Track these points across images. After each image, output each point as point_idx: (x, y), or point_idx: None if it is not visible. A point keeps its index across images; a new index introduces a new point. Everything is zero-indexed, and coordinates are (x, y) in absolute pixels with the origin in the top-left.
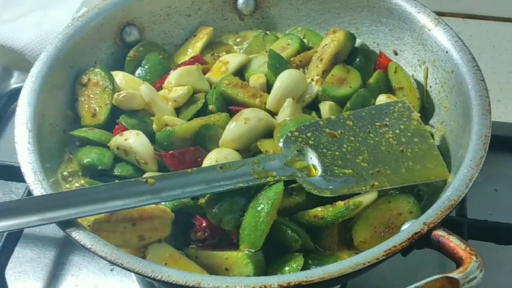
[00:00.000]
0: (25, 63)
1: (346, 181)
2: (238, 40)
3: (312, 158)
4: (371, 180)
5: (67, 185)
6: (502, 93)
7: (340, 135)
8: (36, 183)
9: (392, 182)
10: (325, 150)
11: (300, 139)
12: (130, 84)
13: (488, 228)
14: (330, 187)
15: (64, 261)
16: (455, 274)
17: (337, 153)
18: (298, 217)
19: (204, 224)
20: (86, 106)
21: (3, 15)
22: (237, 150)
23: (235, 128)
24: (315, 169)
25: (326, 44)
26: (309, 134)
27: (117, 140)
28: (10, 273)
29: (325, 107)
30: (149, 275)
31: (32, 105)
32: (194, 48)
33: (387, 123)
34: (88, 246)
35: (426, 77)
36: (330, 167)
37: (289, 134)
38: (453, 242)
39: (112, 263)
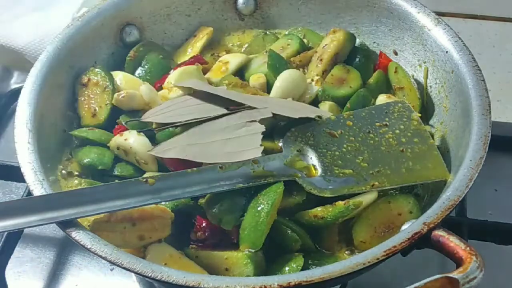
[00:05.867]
0: (25, 63)
1: (346, 181)
2: (238, 40)
3: (312, 158)
4: (371, 180)
5: (67, 185)
6: (502, 93)
7: (340, 135)
8: (36, 183)
9: (392, 182)
10: (325, 150)
11: (300, 139)
12: (130, 84)
13: (488, 228)
14: (330, 187)
15: (64, 261)
16: (455, 274)
17: (337, 153)
18: (298, 217)
19: (204, 224)
20: (86, 106)
21: (3, 15)
22: None
23: None
24: (315, 169)
25: (326, 44)
26: (309, 134)
27: (117, 140)
28: (10, 273)
29: (325, 107)
30: (149, 275)
31: (32, 105)
32: (194, 48)
33: (387, 123)
34: (88, 246)
35: (426, 77)
36: (330, 167)
37: (289, 134)
38: (453, 242)
39: (112, 263)
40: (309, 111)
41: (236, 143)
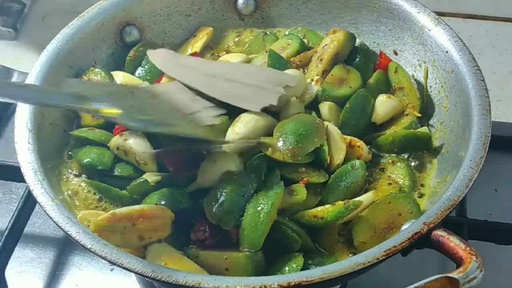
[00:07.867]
0: (25, 63)
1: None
2: (238, 40)
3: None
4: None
5: (67, 185)
6: (502, 93)
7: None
8: (36, 183)
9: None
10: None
11: None
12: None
13: (488, 228)
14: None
15: (64, 261)
16: (455, 274)
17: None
18: (298, 217)
19: (204, 224)
20: None
21: None
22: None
23: (235, 132)
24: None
25: (326, 44)
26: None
27: (117, 140)
28: (10, 273)
29: (325, 107)
30: (149, 275)
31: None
32: (194, 48)
33: None
34: (88, 246)
35: (426, 77)
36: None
37: None
38: (453, 242)
39: (112, 263)
40: (271, 95)
41: None
